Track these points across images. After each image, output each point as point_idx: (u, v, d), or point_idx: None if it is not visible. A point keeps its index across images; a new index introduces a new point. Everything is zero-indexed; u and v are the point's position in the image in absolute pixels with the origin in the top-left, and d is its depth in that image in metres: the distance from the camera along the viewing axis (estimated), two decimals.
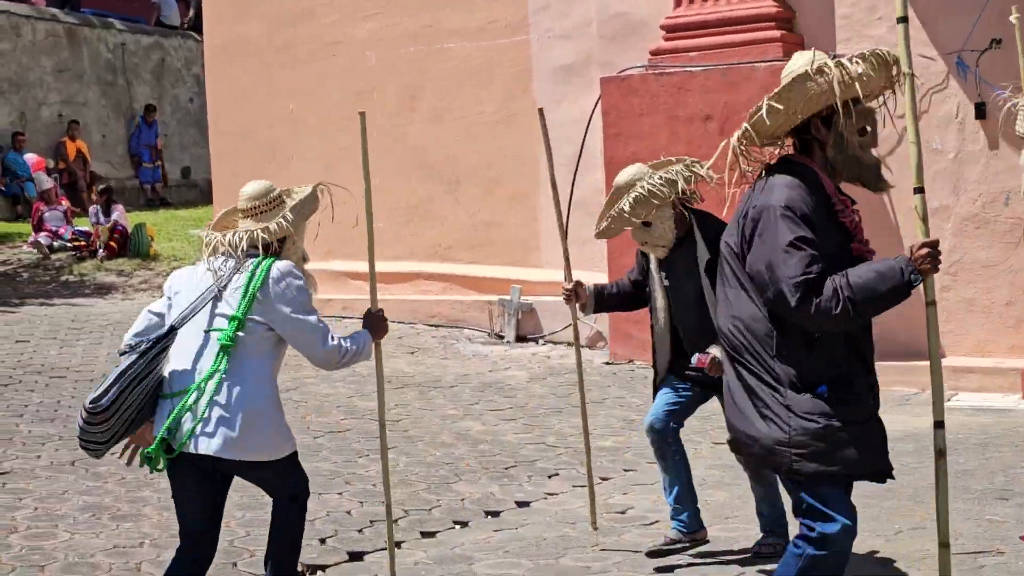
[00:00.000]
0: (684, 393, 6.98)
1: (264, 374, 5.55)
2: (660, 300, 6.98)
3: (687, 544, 6.94)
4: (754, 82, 11.70)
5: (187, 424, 5.43)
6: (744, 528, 7.40)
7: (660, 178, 6.80)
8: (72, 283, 17.97)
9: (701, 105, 12.03)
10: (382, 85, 15.06)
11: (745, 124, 4.84)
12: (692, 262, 6.78)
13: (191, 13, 28.44)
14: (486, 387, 11.47)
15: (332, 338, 5.62)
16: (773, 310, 4.66)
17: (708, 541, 7.01)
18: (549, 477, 8.70)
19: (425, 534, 7.52)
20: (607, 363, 12.57)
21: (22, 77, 24.68)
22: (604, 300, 7.29)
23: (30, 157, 23.48)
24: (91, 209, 19.82)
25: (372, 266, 6.37)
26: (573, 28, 13.70)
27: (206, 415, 5.43)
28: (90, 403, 5.40)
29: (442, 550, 7.17)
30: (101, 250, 18.84)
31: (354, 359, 5.69)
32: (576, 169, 13.32)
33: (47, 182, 21.49)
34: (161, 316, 5.74)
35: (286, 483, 5.70)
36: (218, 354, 5.51)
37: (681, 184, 6.75)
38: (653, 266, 7.03)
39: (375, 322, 5.95)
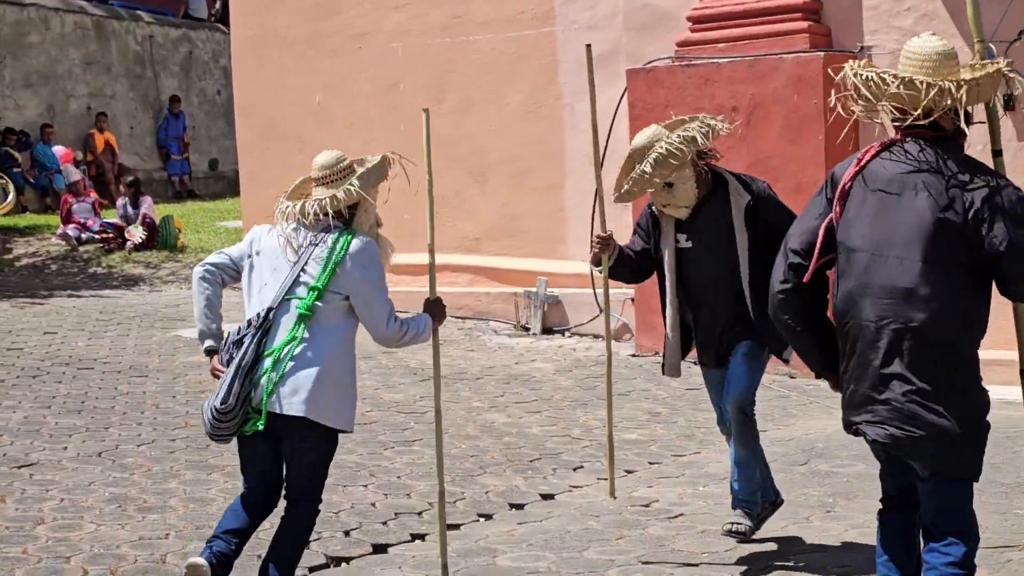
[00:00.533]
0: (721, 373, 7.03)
1: (340, 342, 5.87)
2: (671, 266, 6.95)
3: (765, 515, 7.12)
4: (781, 73, 11.65)
5: (265, 386, 5.74)
6: (769, 521, 7.37)
7: (678, 137, 6.71)
8: (100, 275, 18.03)
9: (727, 97, 11.98)
10: (409, 77, 15.05)
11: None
12: (721, 219, 6.78)
13: (218, 5, 28.51)
14: (512, 379, 11.46)
15: (396, 317, 5.92)
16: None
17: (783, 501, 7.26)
18: (574, 470, 8.69)
19: (449, 526, 7.49)
20: (633, 355, 12.55)
21: (51, 69, 24.79)
22: (623, 259, 7.17)
23: (58, 149, 23.59)
24: (119, 201, 19.88)
25: (432, 255, 6.53)
26: (599, 19, 13.66)
27: (283, 378, 5.74)
28: (220, 406, 5.76)
29: (466, 543, 7.16)
30: (129, 242, 18.89)
31: (413, 340, 6.01)
32: (602, 159, 13.27)
33: (75, 174, 21.55)
34: (235, 261, 6.10)
35: (320, 457, 5.91)
36: (296, 322, 5.82)
37: (700, 140, 6.69)
38: (668, 228, 6.95)
39: (435, 308, 6.18)
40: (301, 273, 5.88)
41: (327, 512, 7.67)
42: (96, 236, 19.33)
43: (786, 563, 6.76)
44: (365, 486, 8.25)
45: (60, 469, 8.62)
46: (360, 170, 6.06)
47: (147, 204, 19.41)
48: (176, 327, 14.10)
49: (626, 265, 7.20)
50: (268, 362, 5.78)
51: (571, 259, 13.83)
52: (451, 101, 14.63)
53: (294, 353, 5.78)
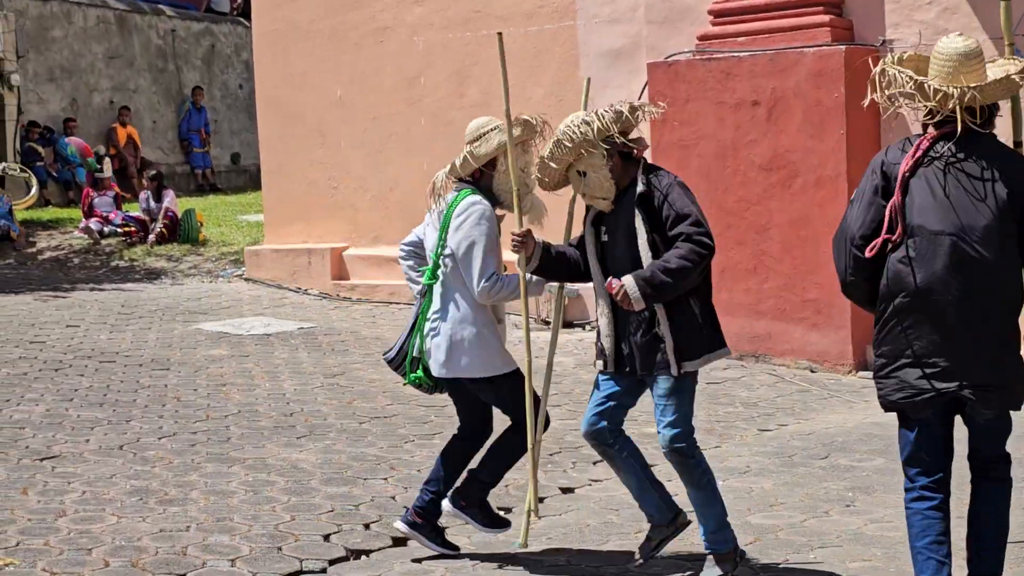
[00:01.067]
0: (615, 386, 6.45)
1: (467, 300, 6.55)
2: (593, 259, 6.42)
3: (670, 534, 6.50)
4: (802, 67, 11.63)
5: (424, 349, 6.71)
6: (788, 515, 7.37)
7: (577, 119, 6.29)
8: (122, 268, 18.10)
9: (748, 90, 11.96)
10: (431, 71, 15.06)
11: None
12: (628, 212, 6.26)
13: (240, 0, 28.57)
14: (532, 373, 11.42)
15: (489, 276, 6.48)
16: None
17: (690, 522, 6.53)
18: (594, 464, 8.68)
19: None
20: None
21: (74, 64, 24.88)
22: (550, 258, 6.56)
23: (75, 141, 23.58)
24: (141, 195, 19.93)
25: (519, 210, 6.56)
26: (620, 13, 13.64)
27: (427, 345, 6.68)
28: (384, 356, 6.97)
29: (485, 536, 7.17)
30: (152, 236, 18.94)
31: (508, 296, 6.59)
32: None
33: (107, 170, 21.38)
34: (420, 239, 6.88)
35: (504, 400, 6.68)
36: (426, 292, 6.67)
37: (597, 124, 6.21)
38: (589, 220, 6.49)
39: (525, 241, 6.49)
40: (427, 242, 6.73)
41: (347, 505, 7.71)
42: (118, 230, 19.39)
43: (805, 557, 6.76)
44: (385, 479, 8.27)
45: (82, 462, 8.66)
46: (498, 134, 6.52)
47: (170, 198, 19.45)
48: (197, 320, 14.14)
49: (560, 264, 6.59)
50: (415, 334, 6.75)
51: None
52: (472, 95, 14.63)
53: (431, 325, 6.65)
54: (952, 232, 5.33)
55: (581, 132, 6.24)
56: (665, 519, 6.47)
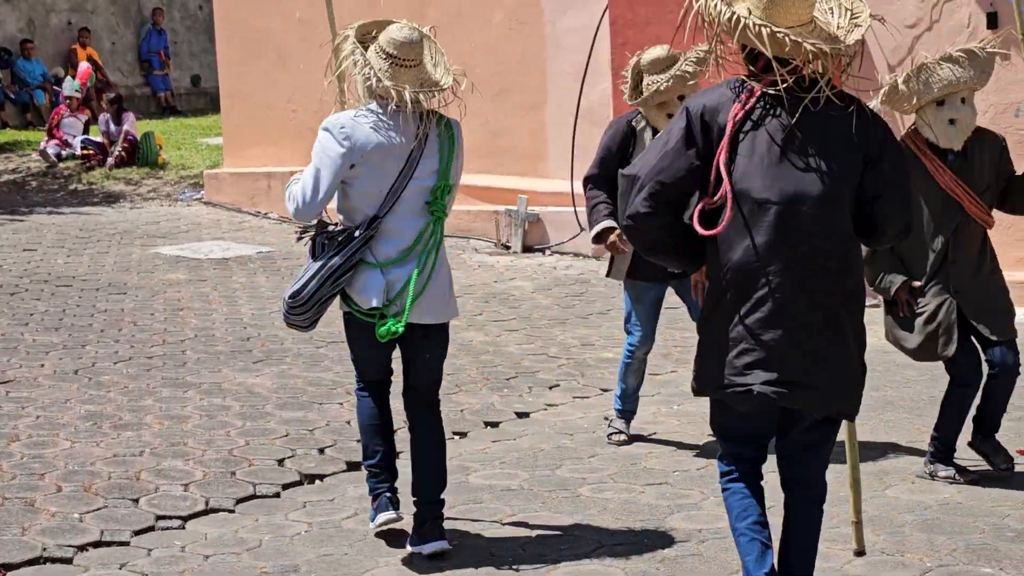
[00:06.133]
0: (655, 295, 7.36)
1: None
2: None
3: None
4: None
5: (408, 296, 5.67)
6: None
7: (695, 54, 7.04)
8: (80, 192, 17.95)
9: None
10: None
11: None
12: None
13: None
14: (491, 297, 11.45)
15: None
16: (882, 239, 4.80)
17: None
18: (550, 388, 8.70)
19: None
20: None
21: None
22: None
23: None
24: (101, 117, 19.73)
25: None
26: None
27: (427, 286, 5.71)
28: (289, 297, 5.72)
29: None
30: (111, 159, 18.76)
31: None
32: (584, 78, 13.21)
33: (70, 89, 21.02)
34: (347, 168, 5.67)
35: (445, 343, 5.99)
36: (432, 225, 5.74)
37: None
38: (649, 139, 7.07)
39: None
40: (419, 168, 5.71)
41: (302, 430, 7.70)
42: (78, 152, 19.20)
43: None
44: (341, 404, 8.26)
45: (36, 386, 8.61)
46: (432, 46, 5.90)
47: (130, 121, 19.26)
48: (156, 244, 14.06)
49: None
50: (411, 270, 5.66)
51: (552, 178, 13.78)
52: (433, 17, 14.48)
53: (432, 262, 5.73)
54: (780, 200, 4.53)
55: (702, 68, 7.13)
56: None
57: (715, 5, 4.59)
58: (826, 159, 4.56)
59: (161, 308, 11.01)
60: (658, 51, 7.16)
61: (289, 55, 15.78)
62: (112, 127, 19.20)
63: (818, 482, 4.85)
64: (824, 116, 4.57)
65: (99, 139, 19.33)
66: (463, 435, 7.73)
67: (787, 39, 4.48)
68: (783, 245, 4.52)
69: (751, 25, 4.50)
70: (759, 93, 4.59)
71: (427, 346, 5.89)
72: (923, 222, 6.43)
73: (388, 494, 5.99)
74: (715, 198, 4.56)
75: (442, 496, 5.93)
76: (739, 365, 4.60)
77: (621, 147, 7.15)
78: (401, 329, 5.67)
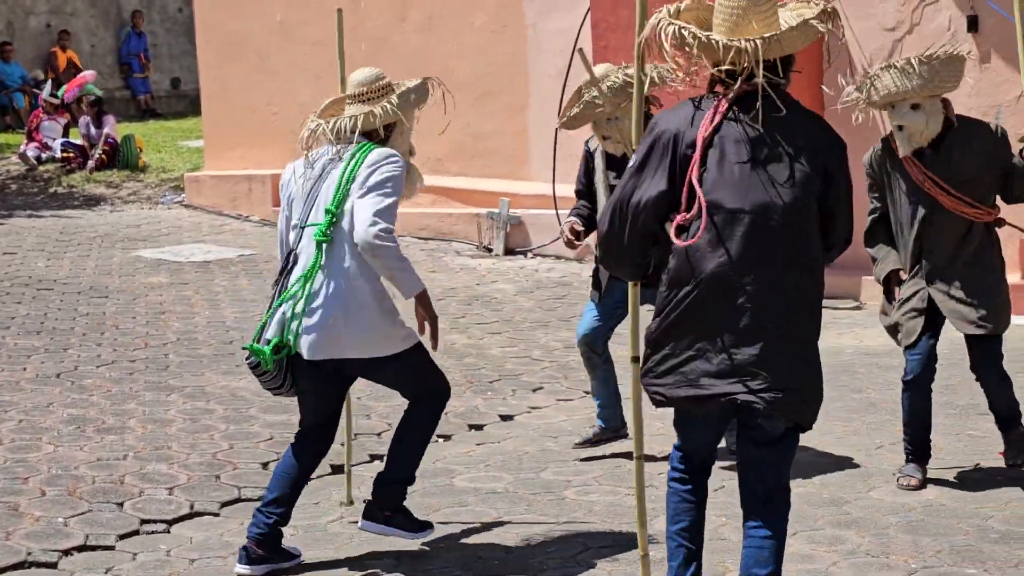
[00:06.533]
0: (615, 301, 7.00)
1: (366, 266, 5.47)
2: (603, 200, 6.90)
3: (611, 437, 7.30)
4: None
5: (293, 326, 5.49)
6: None
7: (622, 75, 6.85)
8: (61, 195, 17.90)
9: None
10: None
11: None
12: None
13: None
14: (473, 300, 11.45)
15: (388, 230, 5.37)
16: (831, 252, 4.80)
17: (628, 436, 7.08)
18: (533, 391, 8.71)
19: None
20: None
21: None
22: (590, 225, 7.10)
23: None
24: (81, 120, 19.65)
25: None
26: None
27: (308, 315, 5.46)
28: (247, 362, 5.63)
29: (424, 464, 7.11)
30: (91, 162, 18.71)
31: (396, 270, 5.43)
32: (565, 82, 13.21)
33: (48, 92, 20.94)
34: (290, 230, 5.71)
35: (410, 381, 5.74)
36: (315, 251, 5.51)
37: (652, 76, 6.50)
38: (600, 164, 7.07)
39: (426, 306, 5.66)
40: (320, 196, 5.57)
41: (286, 433, 7.68)
42: (57, 155, 19.14)
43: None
44: None
45: (18, 390, 8.59)
46: (399, 90, 5.85)
47: (110, 124, 19.20)
48: (137, 247, 14.03)
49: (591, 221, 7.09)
50: (293, 299, 5.50)
51: (534, 180, 13.80)
52: (415, 19, 14.51)
53: (316, 289, 5.47)
54: (750, 210, 4.52)
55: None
56: (612, 427, 7.30)
57: (661, 21, 4.62)
58: (793, 169, 4.59)
59: (143, 311, 10.99)
60: (599, 69, 7.06)
61: (270, 58, 15.77)
62: (92, 130, 19.14)
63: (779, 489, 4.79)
64: (792, 126, 4.61)
65: (79, 142, 19.28)
66: (447, 438, 7.73)
67: (718, 44, 4.51)
68: (757, 254, 4.55)
69: (687, 35, 4.56)
70: (725, 107, 4.62)
71: (382, 379, 5.85)
72: (900, 214, 6.52)
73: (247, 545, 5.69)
74: (689, 214, 4.57)
75: (394, 479, 5.83)
76: (717, 372, 4.60)
77: (584, 170, 7.27)
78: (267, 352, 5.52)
